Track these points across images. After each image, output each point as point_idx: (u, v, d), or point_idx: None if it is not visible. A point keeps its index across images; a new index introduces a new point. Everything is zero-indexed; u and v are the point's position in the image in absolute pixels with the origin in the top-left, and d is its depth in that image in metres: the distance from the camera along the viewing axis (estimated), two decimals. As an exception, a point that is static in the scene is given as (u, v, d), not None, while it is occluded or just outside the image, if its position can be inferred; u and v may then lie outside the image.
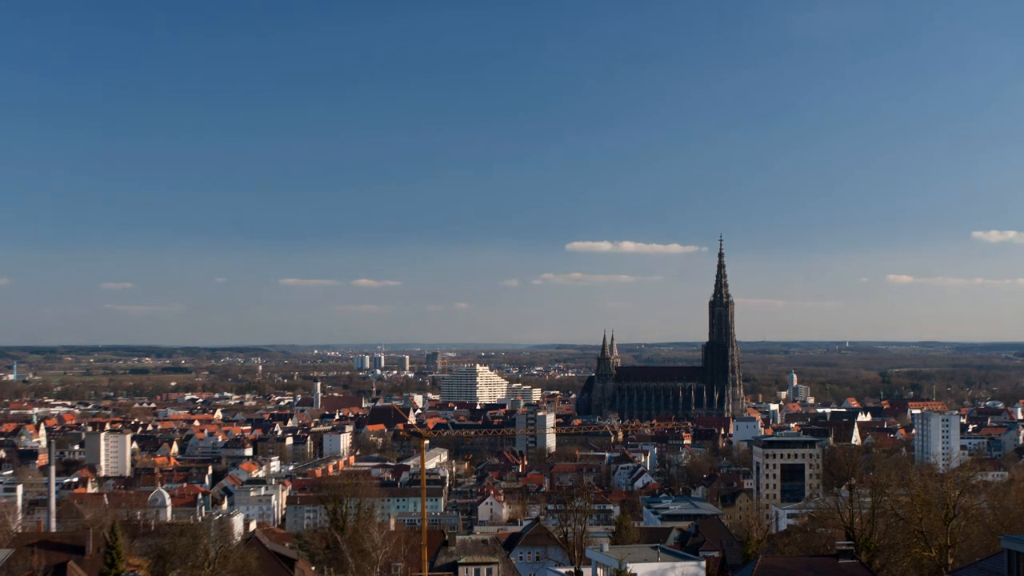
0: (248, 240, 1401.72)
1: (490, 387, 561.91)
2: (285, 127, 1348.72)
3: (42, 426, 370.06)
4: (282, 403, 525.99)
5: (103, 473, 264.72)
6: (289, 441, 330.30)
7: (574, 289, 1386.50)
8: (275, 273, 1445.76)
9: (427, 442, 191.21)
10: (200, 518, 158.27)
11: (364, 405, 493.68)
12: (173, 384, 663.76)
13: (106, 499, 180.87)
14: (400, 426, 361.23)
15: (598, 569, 76.36)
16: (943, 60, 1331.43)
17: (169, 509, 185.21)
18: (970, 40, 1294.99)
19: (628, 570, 67.47)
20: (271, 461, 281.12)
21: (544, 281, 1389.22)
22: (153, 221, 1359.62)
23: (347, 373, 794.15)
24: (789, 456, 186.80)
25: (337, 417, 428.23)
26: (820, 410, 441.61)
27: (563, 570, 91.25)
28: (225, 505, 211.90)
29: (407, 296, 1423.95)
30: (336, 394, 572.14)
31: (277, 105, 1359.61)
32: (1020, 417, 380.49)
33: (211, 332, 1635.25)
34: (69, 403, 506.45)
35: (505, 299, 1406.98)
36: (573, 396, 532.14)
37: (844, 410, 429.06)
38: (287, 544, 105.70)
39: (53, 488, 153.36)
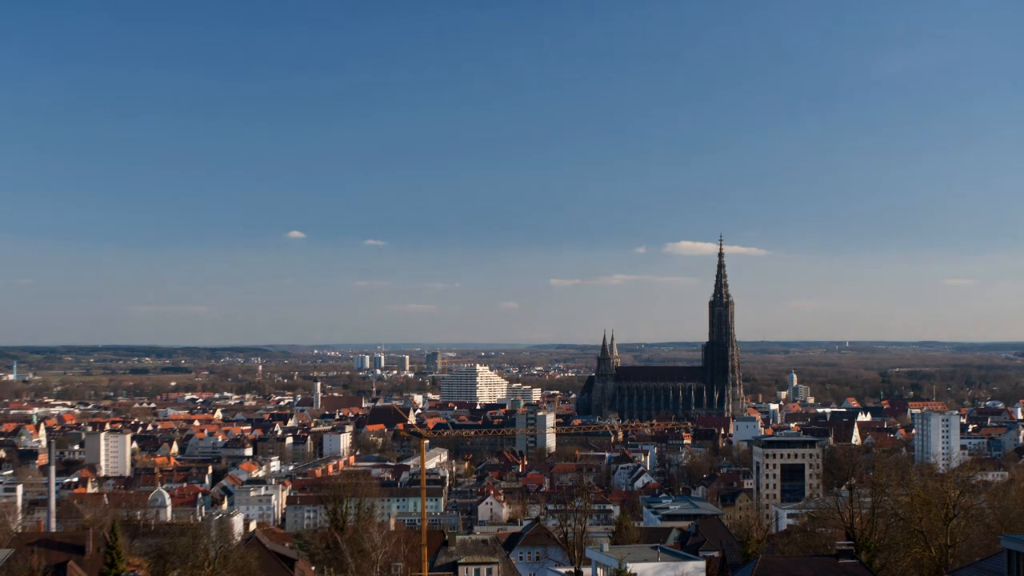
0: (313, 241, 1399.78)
1: (490, 387, 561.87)
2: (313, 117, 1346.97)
3: (42, 426, 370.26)
4: (282, 403, 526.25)
5: (103, 473, 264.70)
6: (289, 441, 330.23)
7: (577, 289, 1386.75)
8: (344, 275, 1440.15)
9: (427, 442, 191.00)
10: (200, 518, 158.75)
11: (364, 405, 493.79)
12: (173, 384, 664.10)
13: (106, 499, 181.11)
14: (400, 426, 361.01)
15: (598, 569, 76.33)
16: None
17: (169, 509, 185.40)
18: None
19: (628, 570, 67.50)
20: (271, 461, 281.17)
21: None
22: (192, 220, 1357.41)
23: (347, 373, 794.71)
24: (789, 456, 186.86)
25: (337, 417, 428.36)
26: (820, 410, 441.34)
27: (563, 570, 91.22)
28: (225, 505, 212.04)
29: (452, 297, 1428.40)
30: (336, 394, 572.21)
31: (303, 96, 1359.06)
32: (1020, 417, 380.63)
33: (257, 331, 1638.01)
34: (69, 403, 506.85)
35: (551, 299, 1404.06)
36: (573, 396, 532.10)
37: (844, 410, 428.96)
38: (287, 544, 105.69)
39: (53, 488, 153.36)
